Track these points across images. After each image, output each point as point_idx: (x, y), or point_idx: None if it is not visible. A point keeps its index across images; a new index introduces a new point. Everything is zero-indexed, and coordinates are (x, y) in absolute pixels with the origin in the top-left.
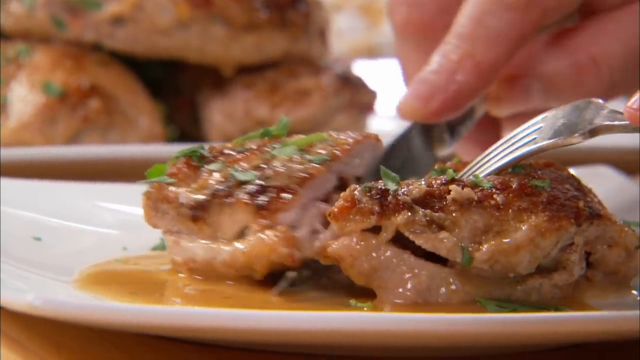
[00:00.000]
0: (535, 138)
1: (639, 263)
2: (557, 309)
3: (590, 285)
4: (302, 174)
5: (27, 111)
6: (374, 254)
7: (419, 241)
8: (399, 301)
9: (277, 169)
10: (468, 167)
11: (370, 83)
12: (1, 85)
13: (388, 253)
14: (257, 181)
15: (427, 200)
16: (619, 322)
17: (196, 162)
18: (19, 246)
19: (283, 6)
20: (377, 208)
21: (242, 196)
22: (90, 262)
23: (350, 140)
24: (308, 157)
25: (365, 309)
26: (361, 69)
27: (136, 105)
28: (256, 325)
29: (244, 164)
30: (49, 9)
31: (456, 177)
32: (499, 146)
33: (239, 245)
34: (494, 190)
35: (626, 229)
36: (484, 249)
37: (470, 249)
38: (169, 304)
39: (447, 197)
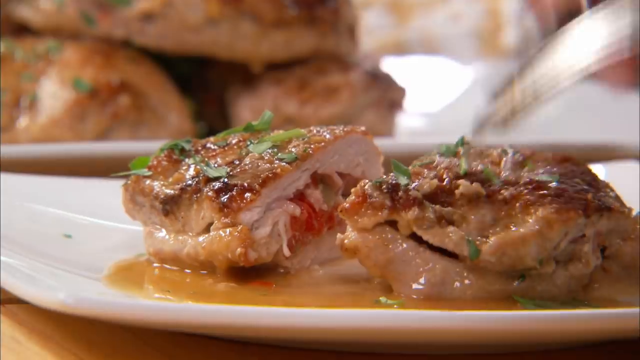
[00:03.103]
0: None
1: None
2: (589, 306)
3: (607, 276)
4: (266, 174)
5: (57, 107)
6: (390, 247)
7: (427, 236)
8: (414, 295)
9: (245, 167)
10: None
11: (399, 80)
12: (31, 81)
13: (404, 246)
14: (225, 179)
15: (437, 194)
16: None
17: (177, 156)
18: (50, 244)
19: (312, 3)
20: (388, 202)
21: (209, 193)
22: (120, 259)
23: (328, 137)
24: (279, 155)
25: (395, 306)
26: (389, 65)
27: (165, 101)
28: (301, 323)
29: (220, 159)
30: (78, 5)
31: (467, 172)
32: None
33: (201, 240)
34: (502, 185)
35: None
36: (490, 242)
37: (477, 242)
38: (204, 302)
39: (456, 192)
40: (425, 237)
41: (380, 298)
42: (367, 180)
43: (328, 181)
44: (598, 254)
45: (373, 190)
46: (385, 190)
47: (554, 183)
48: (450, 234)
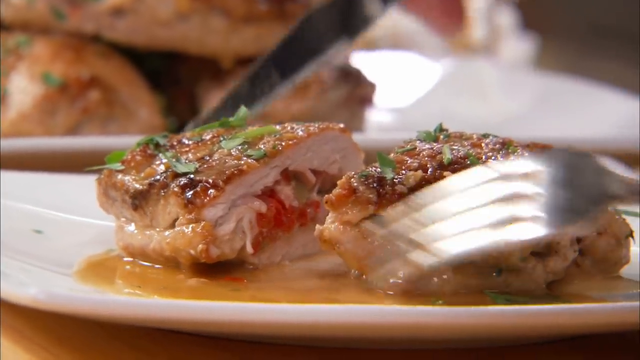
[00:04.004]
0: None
1: (628, 251)
2: (560, 301)
3: (579, 271)
4: (231, 171)
5: (27, 102)
6: (369, 240)
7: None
8: (390, 291)
9: (212, 163)
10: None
11: (369, 76)
12: (1, 76)
13: (383, 241)
14: (191, 175)
15: (422, 186)
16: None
17: (152, 151)
18: (20, 239)
19: None
20: (374, 198)
21: (175, 189)
22: (90, 254)
23: (300, 134)
24: (248, 151)
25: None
26: (359, 61)
27: (136, 96)
28: (270, 318)
29: (191, 155)
30: (48, 0)
31: (451, 161)
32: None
33: (166, 235)
34: None
35: (616, 217)
36: None
37: None
38: (173, 297)
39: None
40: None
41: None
42: (353, 173)
43: (301, 178)
44: (575, 247)
45: (359, 184)
46: (371, 185)
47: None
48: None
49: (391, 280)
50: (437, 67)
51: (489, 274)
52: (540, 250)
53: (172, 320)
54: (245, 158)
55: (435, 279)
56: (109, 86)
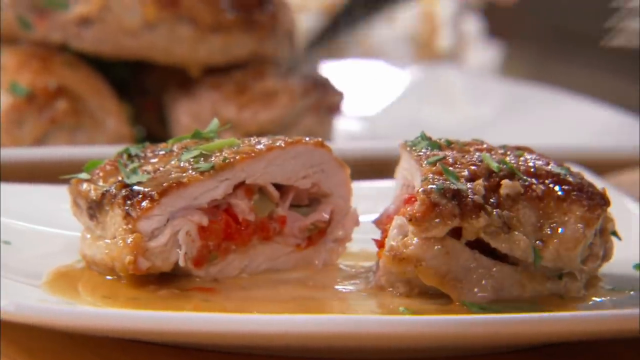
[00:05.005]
0: None
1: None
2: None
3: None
4: (169, 183)
5: None
6: (452, 256)
7: (495, 244)
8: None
9: (159, 174)
10: None
11: (337, 84)
12: None
13: (465, 255)
14: (133, 186)
15: (486, 197)
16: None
17: (124, 160)
18: None
19: (250, 7)
20: (457, 210)
21: (119, 199)
22: (59, 264)
23: (259, 147)
24: (197, 164)
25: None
26: (326, 70)
27: (103, 106)
28: (241, 328)
29: (150, 166)
30: (15, 10)
31: (500, 168)
32: None
33: (105, 246)
34: (532, 180)
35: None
36: (550, 249)
37: (537, 248)
38: (144, 308)
39: (501, 192)
40: (493, 245)
41: (400, 308)
42: (429, 187)
43: (266, 192)
44: (604, 246)
45: (440, 198)
46: (450, 198)
47: (567, 175)
48: (517, 241)
49: (479, 294)
50: (404, 74)
51: (554, 278)
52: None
53: (144, 331)
54: (190, 171)
55: (515, 287)
56: (76, 96)
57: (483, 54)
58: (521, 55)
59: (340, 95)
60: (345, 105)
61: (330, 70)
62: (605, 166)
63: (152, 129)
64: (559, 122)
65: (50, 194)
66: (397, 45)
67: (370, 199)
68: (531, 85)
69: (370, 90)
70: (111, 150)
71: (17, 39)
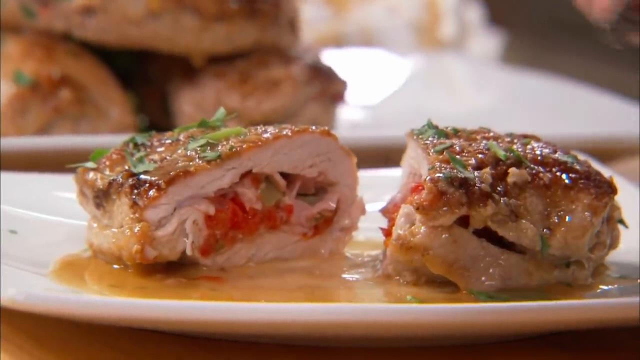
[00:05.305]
0: None
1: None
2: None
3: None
4: (176, 172)
5: None
6: (460, 245)
7: (503, 232)
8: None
9: (164, 163)
10: None
11: (340, 73)
12: None
13: (473, 243)
14: (140, 175)
15: (493, 185)
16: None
17: (131, 149)
18: None
19: None
20: (464, 199)
21: (126, 188)
22: (65, 254)
23: (265, 136)
24: (203, 153)
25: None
26: (328, 58)
27: (107, 95)
28: (250, 317)
29: (157, 155)
30: None
31: (507, 157)
32: None
33: (113, 235)
34: (539, 168)
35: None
36: (558, 237)
37: (544, 237)
38: (151, 297)
39: (508, 180)
40: (501, 233)
41: (407, 296)
42: (436, 176)
43: (273, 181)
44: (610, 233)
45: (447, 187)
46: (458, 186)
47: (574, 164)
48: (525, 230)
49: (487, 283)
50: (406, 63)
51: (561, 267)
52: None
53: (152, 320)
54: (197, 159)
55: (523, 276)
56: (80, 85)
57: (484, 42)
58: (520, 43)
59: (343, 83)
60: (348, 94)
61: (332, 58)
62: (609, 154)
63: (155, 118)
64: (561, 110)
65: (54, 183)
66: (400, 33)
67: (374, 187)
68: (534, 74)
69: (373, 79)
70: (115, 140)
71: (20, 27)
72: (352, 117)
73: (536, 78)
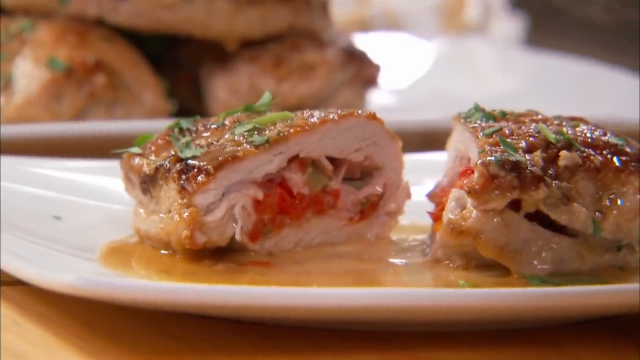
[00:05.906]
0: None
1: None
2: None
3: None
4: (224, 157)
5: (33, 87)
6: (509, 227)
7: (555, 215)
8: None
9: (214, 148)
10: None
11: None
12: (6, 61)
13: (525, 227)
14: (188, 160)
15: (544, 168)
16: None
17: (176, 134)
18: (41, 225)
19: None
20: (516, 182)
21: (174, 174)
22: (111, 239)
23: (312, 121)
24: (251, 138)
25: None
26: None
27: (140, 80)
28: (304, 302)
29: (203, 140)
30: None
31: (557, 140)
32: None
33: (161, 220)
34: (590, 151)
35: None
36: (610, 220)
37: (596, 220)
38: (203, 282)
39: (559, 163)
40: (553, 216)
41: (460, 281)
42: (487, 159)
43: (320, 166)
44: None
45: (499, 170)
46: (509, 170)
47: (625, 146)
48: (577, 213)
49: (539, 267)
50: (431, 46)
51: (612, 250)
52: None
53: (202, 305)
54: (245, 144)
55: (575, 260)
56: (113, 70)
57: (508, 25)
58: (543, 27)
59: (377, 67)
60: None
61: (359, 43)
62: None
63: (186, 103)
64: (587, 93)
65: (98, 168)
66: (424, 17)
67: (414, 171)
68: (558, 57)
69: (399, 63)
70: (150, 125)
71: (52, 13)
72: (380, 101)
73: (561, 60)
